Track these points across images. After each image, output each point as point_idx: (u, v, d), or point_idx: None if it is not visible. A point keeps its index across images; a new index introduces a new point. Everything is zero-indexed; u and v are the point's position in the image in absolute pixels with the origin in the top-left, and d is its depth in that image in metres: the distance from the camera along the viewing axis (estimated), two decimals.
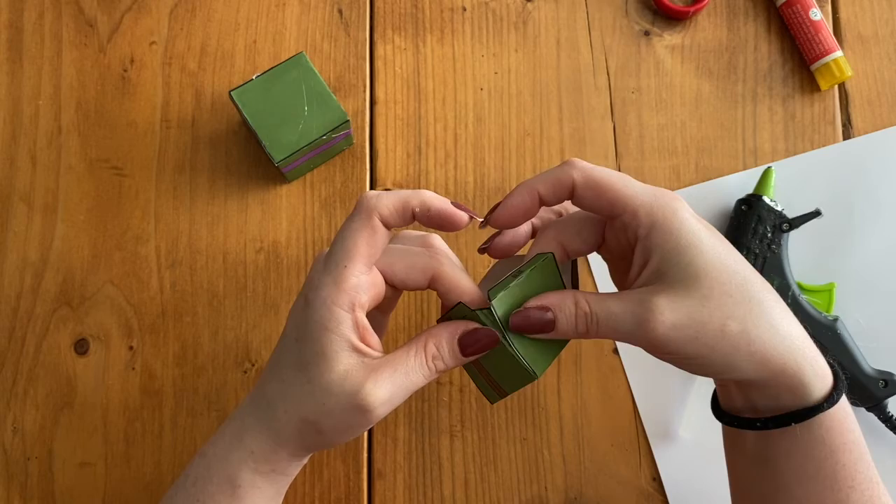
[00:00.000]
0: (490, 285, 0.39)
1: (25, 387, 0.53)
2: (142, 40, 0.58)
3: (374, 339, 0.38)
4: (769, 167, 0.56)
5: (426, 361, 0.37)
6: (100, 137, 0.56)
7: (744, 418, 0.40)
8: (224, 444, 0.39)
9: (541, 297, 0.38)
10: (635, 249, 0.38)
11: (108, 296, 0.54)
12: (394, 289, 0.41)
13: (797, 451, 0.38)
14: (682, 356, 0.37)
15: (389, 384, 0.36)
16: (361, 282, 0.37)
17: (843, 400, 0.38)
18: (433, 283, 0.40)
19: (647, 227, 0.37)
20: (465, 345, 0.38)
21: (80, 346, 0.54)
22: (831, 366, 0.39)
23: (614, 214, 0.38)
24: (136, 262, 0.55)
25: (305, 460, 0.41)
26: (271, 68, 0.52)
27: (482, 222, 0.41)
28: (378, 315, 0.43)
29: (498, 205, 0.40)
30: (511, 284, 0.38)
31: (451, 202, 0.39)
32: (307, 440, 0.38)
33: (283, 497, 0.41)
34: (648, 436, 0.53)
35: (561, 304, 0.38)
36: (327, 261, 0.37)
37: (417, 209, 0.38)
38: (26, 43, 0.58)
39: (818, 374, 0.38)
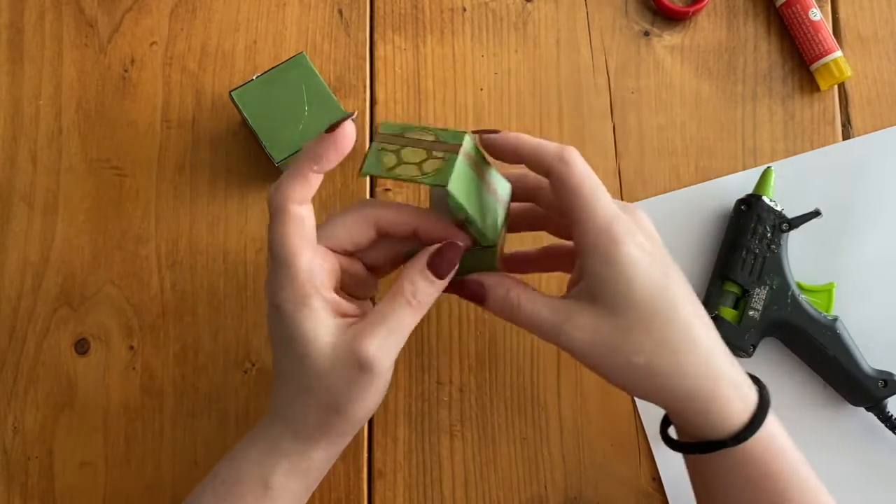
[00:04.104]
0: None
1: (26, 387, 0.53)
2: (142, 40, 0.58)
3: (349, 307, 0.40)
4: (769, 167, 0.56)
5: (408, 300, 0.38)
6: (100, 137, 0.56)
7: (668, 436, 0.43)
8: (257, 449, 0.40)
9: (482, 275, 0.40)
10: (577, 257, 0.40)
11: (108, 296, 0.54)
12: (362, 265, 0.42)
13: (721, 474, 0.40)
14: (596, 372, 0.39)
15: (380, 333, 0.37)
16: (314, 267, 0.38)
17: (768, 428, 0.39)
18: (381, 229, 0.40)
19: (587, 251, 0.38)
20: (435, 267, 0.38)
21: (81, 346, 0.54)
22: (762, 397, 0.39)
23: (564, 217, 0.39)
24: (136, 262, 0.55)
25: (339, 453, 0.42)
26: (272, 68, 0.52)
27: (479, 131, 0.41)
28: (371, 279, 0.44)
29: (499, 131, 0.41)
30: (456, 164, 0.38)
31: (324, 132, 0.38)
32: (332, 428, 0.39)
33: (312, 490, 0.42)
34: (648, 436, 0.53)
35: (495, 289, 0.40)
36: (274, 267, 0.38)
37: (315, 167, 0.38)
38: (27, 43, 0.58)
39: (733, 410, 0.38)
